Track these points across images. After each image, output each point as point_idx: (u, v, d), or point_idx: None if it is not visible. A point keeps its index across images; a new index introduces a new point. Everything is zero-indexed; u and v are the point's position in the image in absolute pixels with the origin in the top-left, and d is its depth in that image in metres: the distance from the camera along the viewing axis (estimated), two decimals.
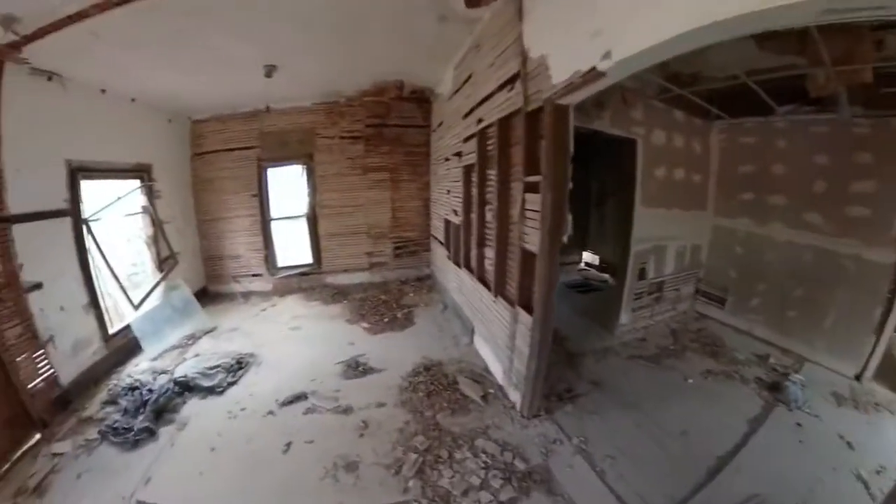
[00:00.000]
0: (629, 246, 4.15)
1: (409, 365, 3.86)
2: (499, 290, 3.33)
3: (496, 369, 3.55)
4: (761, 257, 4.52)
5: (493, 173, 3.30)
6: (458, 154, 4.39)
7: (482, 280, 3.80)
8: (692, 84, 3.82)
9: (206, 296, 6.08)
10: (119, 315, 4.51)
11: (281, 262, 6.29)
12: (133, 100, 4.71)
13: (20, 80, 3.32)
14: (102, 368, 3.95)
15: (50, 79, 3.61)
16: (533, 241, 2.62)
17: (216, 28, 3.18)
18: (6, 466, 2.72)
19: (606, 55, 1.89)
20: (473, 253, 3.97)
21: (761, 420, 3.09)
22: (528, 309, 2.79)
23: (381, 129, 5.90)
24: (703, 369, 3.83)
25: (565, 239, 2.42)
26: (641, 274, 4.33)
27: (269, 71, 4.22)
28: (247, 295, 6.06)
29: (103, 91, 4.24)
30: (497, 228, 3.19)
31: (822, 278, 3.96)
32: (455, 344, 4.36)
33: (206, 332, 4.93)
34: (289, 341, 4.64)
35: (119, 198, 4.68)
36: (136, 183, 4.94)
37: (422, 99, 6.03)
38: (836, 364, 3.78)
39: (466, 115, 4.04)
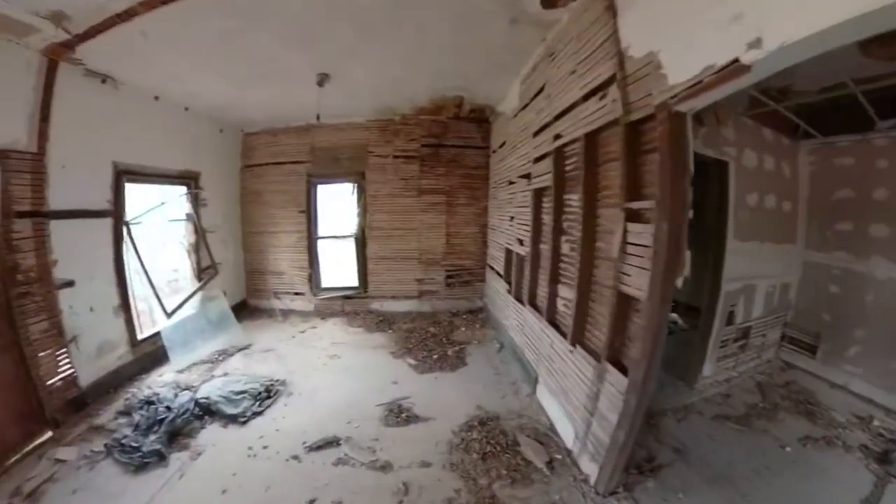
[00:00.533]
0: (719, 285, 3.80)
1: (461, 415, 3.52)
2: (577, 339, 3.06)
3: (565, 430, 3.24)
4: (861, 298, 4.02)
5: (574, 198, 3.09)
6: (527, 176, 4.15)
7: (553, 323, 3.55)
8: (781, 100, 3.68)
9: (246, 309, 6.08)
10: (152, 321, 4.56)
11: (325, 283, 6.07)
12: (186, 108, 4.94)
13: (74, 81, 3.47)
14: (126, 374, 3.97)
15: (104, 81, 3.78)
16: (637, 283, 2.32)
17: (263, 28, 3.14)
18: (14, 458, 2.76)
19: (755, 43, 1.54)
20: (543, 290, 3.71)
21: (875, 500, 2.72)
22: (621, 367, 2.49)
23: (437, 150, 5.83)
24: (800, 434, 3.40)
25: (679, 283, 1.86)
26: (729, 318, 3.99)
27: (322, 80, 4.07)
28: (286, 313, 5.90)
29: (156, 98, 4.45)
30: (579, 264, 2.91)
31: None
32: (514, 392, 4.03)
33: (240, 350, 4.89)
34: (325, 371, 4.45)
35: (163, 203, 4.54)
36: (183, 189, 4.79)
37: (481, 119, 5.96)
38: None
39: (538, 132, 3.84)
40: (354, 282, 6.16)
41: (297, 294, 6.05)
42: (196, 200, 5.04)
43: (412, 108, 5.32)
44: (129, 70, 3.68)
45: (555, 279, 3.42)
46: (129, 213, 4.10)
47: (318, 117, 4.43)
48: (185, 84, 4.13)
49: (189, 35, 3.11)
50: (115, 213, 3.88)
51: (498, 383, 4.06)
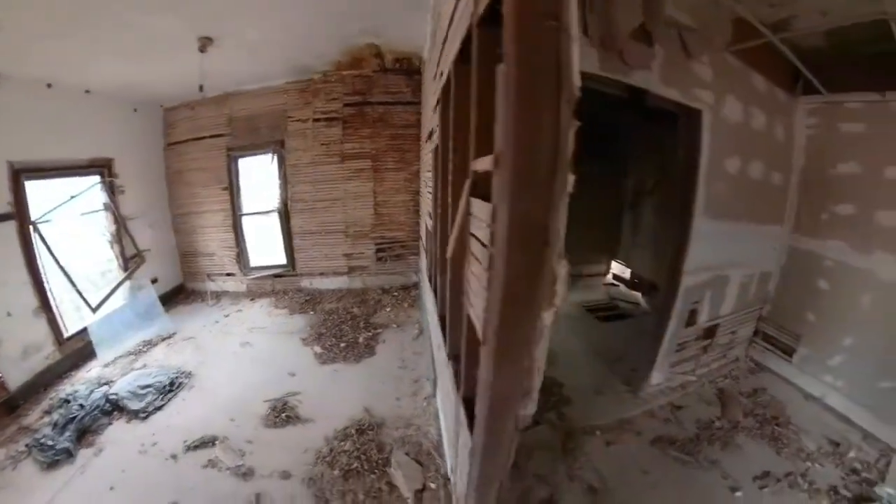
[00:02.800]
0: (678, 279, 2.73)
1: (343, 419, 2.96)
2: (452, 351, 2.10)
3: (450, 451, 2.24)
4: (855, 299, 3.01)
5: (450, 158, 2.00)
6: (431, 133, 3.06)
7: (441, 320, 2.52)
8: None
9: (183, 293, 5.38)
10: (81, 317, 4.13)
11: (254, 262, 5.31)
12: (87, 91, 4.11)
13: None
14: (56, 373, 3.64)
15: None
16: (477, 309, 1.30)
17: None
18: None
19: None
20: (437, 277, 2.73)
21: None
22: (470, 414, 1.43)
23: (361, 109, 4.72)
24: (758, 468, 2.50)
25: (548, 318, 1.00)
26: (691, 318, 2.94)
27: (204, 45, 3.07)
28: (219, 295, 5.25)
29: (49, 86, 3.73)
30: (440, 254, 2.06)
31: None
32: (413, 393, 3.25)
33: (164, 339, 4.37)
34: (233, 361, 3.92)
35: (73, 196, 3.81)
36: (95, 178, 4.02)
37: (411, 70, 4.80)
38: None
39: (435, 74, 2.76)
40: (282, 259, 5.38)
41: (228, 275, 5.29)
42: (111, 188, 4.32)
43: (328, 63, 4.32)
44: (7, 64, 3.10)
45: (442, 266, 2.45)
46: (37, 211, 3.61)
47: (200, 88, 3.52)
48: (75, 66, 3.46)
49: (43, 18, 2.54)
50: (19, 214, 3.42)
51: (399, 380, 3.32)
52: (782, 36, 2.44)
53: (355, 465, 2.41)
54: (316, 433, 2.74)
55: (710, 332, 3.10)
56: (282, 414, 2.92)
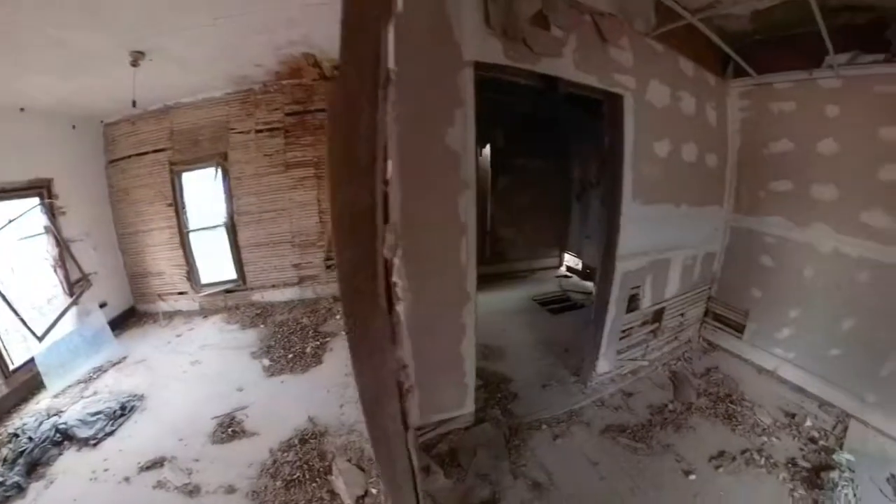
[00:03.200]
0: (612, 265, 2.66)
1: (288, 430, 2.81)
2: None
3: None
4: (798, 273, 3.04)
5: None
6: None
7: None
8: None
9: (134, 316, 5.07)
10: (28, 347, 3.86)
11: (205, 279, 5.07)
12: (22, 109, 3.75)
13: None
14: (3, 408, 3.36)
15: None
16: None
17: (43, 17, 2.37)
18: None
19: None
20: None
21: None
22: None
23: (303, 118, 4.52)
24: (713, 448, 2.46)
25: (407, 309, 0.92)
26: (632, 303, 2.88)
27: (136, 59, 2.93)
28: (171, 315, 4.97)
29: None
30: None
31: (883, 307, 2.60)
32: (358, 400, 2.93)
33: (114, 364, 4.08)
34: (183, 380, 3.72)
35: (10, 220, 3.57)
36: (35, 201, 3.81)
37: None
38: (894, 427, 2.53)
39: None
40: (233, 274, 5.13)
41: (180, 294, 5.04)
42: (51, 210, 4.03)
43: (267, 73, 4.19)
44: None
45: None
46: None
47: (133, 103, 3.35)
48: (5, 85, 3.19)
49: None
50: None
51: (345, 387, 3.21)
52: (703, 16, 2.42)
53: (297, 475, 2.30)
54: (261, 446, 2.65)
55: (656, 316, 3.07)
56: (228, 429, 2.82)
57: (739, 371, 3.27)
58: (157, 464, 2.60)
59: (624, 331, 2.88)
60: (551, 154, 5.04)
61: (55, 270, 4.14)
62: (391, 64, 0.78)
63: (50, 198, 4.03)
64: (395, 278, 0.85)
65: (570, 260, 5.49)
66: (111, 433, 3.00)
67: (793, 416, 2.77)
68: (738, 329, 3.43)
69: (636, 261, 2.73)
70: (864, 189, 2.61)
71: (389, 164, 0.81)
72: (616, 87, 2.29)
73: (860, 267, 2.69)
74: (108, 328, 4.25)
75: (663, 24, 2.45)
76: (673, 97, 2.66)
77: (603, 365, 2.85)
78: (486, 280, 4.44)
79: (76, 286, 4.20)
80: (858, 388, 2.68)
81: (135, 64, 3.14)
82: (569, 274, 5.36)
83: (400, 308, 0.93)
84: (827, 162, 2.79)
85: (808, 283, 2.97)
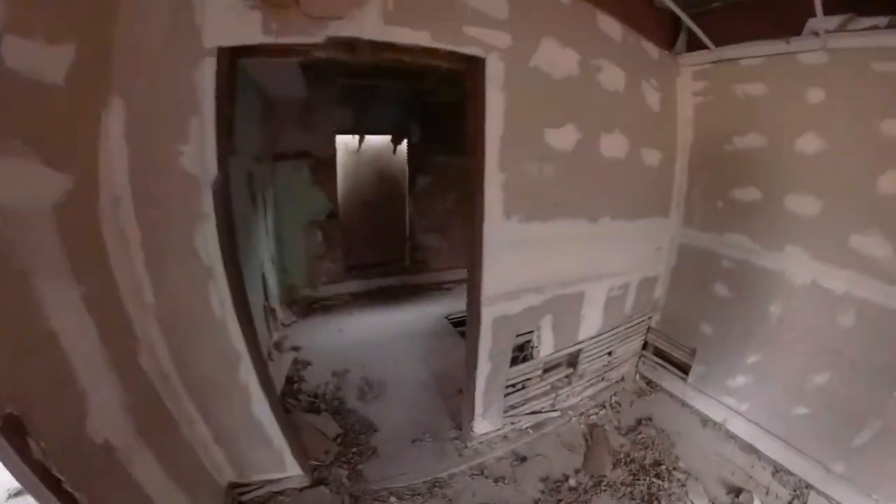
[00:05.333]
0: (476, 310, 1.78)
1: None
2: None
3: None
4: (761, 309, 2.16)
5: None
6: None
7: None
8: None
9: None
10: None
11: None
12: None
13: None
14: None
15: None
16: None
17: None
18: None
19: None
20: None
21: None
22: None
23: None
24: None
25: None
26: (522, 352, 2.03)
27: None
28: None
29: None
30: None
31: (869, 361, 1.78)
32: None
33: None
34: None
35: None
36: None
37: None
38: None
39: None
40: None
41: None
42: None
43: None
44: None
45: None
46: None
47: None
48: None
49: None
50: None
51: None
52: None
53: None
54: None
55: (571, 360, 2.20)
56: None
57: (680, 421, 2.41)
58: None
59: (514, 385, 2.00)
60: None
61: None
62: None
63: None
64: None
65: None
66: None
67: (737, 492, 1.96)
68: (684, 369, 2.55)
69: (520, 301, 1.80)
70: (856, 203, 1.71)
71: None
72: (470, 46, 1.35)
73: (845, 307, 1.80)
74: None
75: None
76: (583, 66, 1.70)
77: (483, 426, 1.98)
78: (406, 293, 3.85)
79: None
80: (824, 455, 1.91)
81: None
82: None
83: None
84: (808, 164, 1.87)
85: (774, 322, 2.07)
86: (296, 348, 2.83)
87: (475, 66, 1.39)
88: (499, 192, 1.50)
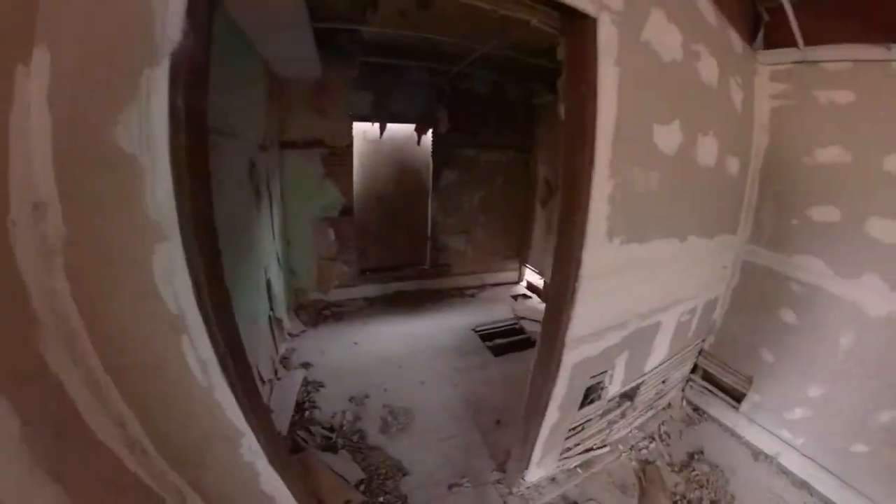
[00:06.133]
0: (557, 357, 1.36)
1: None
2: None
3: None
4: (831, 339, 1.94)
5: None
6: None
7: None
8: None
9: None
10: None
11: None
12: None
13: None
14: None
15: None
16: None
17: None
18: None
19: None
20: None
21: None
22: None
23: None
24: None
25: None
26: (590, 393, 1.70)
27: None
28: None
29: None
30: None
31: None
32: None
33: None
34: None
35: None
36: None
37: None
38: None
39: None
40: None
41: None
42: None
43: None
44: None
45: None
46: None
47: None
48: None
49: None
50: None
51: None
52: None
53: None
54: None
55: (628, 396, 1.92)
56: None
57: (731, 454, 2.21)
58: None
59: (576, 428, 1.71)
60: (511, 146, 3.72)
61: None
62: None
63: None
64: None
65: (531, 275, 4.17)
66: None
67: None
68: (735, 397, 2.36)
69: (602, 341, 1.48)
70: None
71: None
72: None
73: None
74: None
75: None
76: (686, 50, 1.37)
77: (536, 473, 1.70)
78: (426, 299, 3.51)
79: None
80: (881, 495, 1.74)
81: None
82: (528, 293, 4.05)
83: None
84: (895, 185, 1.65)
85: (843, 354, 1.85)
86: (306, 365, 2.47)
87: (582, 27, 1.02)
88: (605, 207, 1.15)
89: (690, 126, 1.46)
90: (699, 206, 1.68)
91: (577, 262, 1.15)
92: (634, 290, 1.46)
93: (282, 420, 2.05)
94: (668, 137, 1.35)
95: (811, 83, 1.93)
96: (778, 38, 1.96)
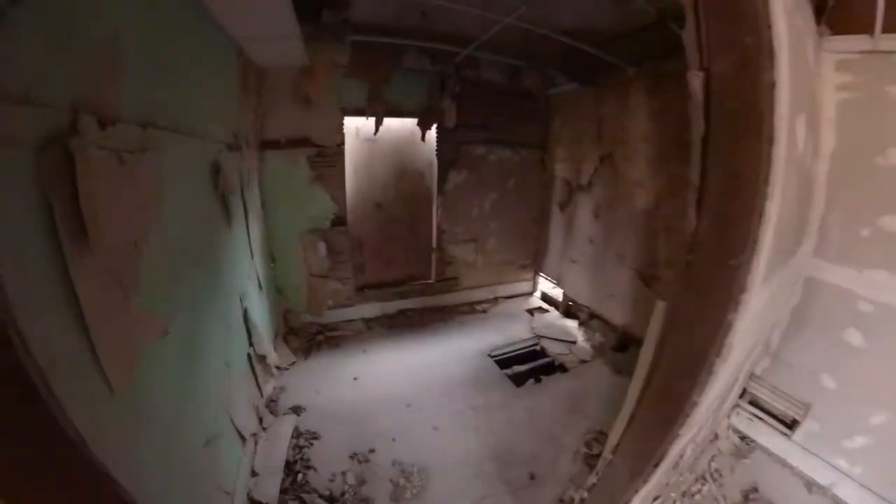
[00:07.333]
0: (665, 445, 1.02)
1: None
2: None
3: None
4: None
5: None
6: None
7: None
8: None
9: None
10: None
11: None
12: None
13: None
14: None
15: None
16: None
17: None
18: None
19: None
20: None
21: None
22: None
23: None
24: None
25: None
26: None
27: None
28: None
29: None
30: None
31: None
32: None
33: None
34: None
35: None
36: None
37: None
38: None
39: None
40: None
41: None
42: None
43: None
44: None
45: None
46: None
47: None
48: None
49: None
50: None
51: None
52: None
53: None
54: None
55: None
56: None
57: (786, 488, 2.02)
58: None
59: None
60: (525, 142, 3.33)
61: None
62: None
63: None
64: None
65: (546, 285, 3.77)
66: None
67: None
68: (787, 424, 2.16)
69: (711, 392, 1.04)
70: None
71: None
72: None
73: None
74: None
75: None
76: (792, 25, 0.91)
77: None
78: (432, 318, 3.12)
79: None
80: None
81: None
82: (545, 306, 3.66)
83: None
84: None
85: None
86: (297, 409, 2.04)
87: None
88: (770, 235, 0.76)
89: (807, 119, 1.12)
90: (795, 215, 1.35)
91: (726, 328, 0.74)
92: (746, 340, 1.09)
93: (269, 488, 1.64)
94: (801, 129, 0.98)
95: (882, 75, 1.66)
96: (844, 23, 1.70)
